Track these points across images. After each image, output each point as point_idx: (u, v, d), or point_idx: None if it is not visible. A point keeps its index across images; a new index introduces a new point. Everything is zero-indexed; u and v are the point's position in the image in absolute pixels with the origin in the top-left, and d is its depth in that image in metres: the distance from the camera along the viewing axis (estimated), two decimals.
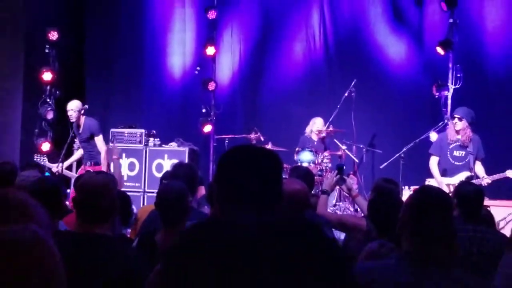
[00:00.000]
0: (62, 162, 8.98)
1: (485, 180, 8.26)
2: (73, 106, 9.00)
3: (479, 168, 8.55)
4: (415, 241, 2.46)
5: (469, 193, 4.38)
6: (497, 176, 8.38)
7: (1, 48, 11.43)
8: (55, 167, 9.01)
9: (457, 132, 8.48)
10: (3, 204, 2.27)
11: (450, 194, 7.82)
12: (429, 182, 8.79)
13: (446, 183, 8.28)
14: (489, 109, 10.45)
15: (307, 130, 10.40)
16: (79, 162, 9.73)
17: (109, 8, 12.71)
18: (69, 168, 9.71)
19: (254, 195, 1.94)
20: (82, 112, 9.07)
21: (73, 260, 2.90)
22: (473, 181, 8.15)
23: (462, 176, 8.30)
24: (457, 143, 8.50)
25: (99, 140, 9.07)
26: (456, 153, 8.50)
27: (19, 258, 1.73)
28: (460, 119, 8.46)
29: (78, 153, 9.45)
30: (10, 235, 1.84)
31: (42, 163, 9.18)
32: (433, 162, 8.69)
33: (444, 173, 8.58)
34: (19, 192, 2.34)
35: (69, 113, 8.96)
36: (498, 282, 3.48)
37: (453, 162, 8.51)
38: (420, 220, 2.47)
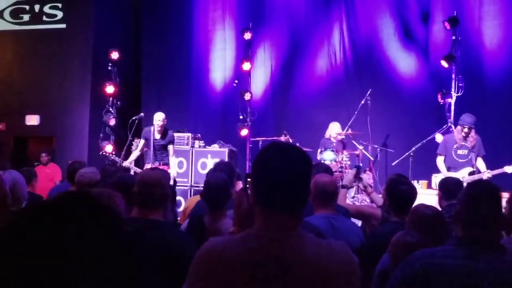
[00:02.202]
0: (123, 159, 9.12)
1: (486, 174, 8.15)
2: (163, 117, 9.09)
3: (480, 164, 8.43)
4: (470, 228, 2.43)
5: (449, 184, 4.35)
6: (496, 171, 8.26)
7: (73, 66, 11.68)
8: (126, 163, 9.18)
9: (465, 138, 8.34)
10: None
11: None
12: (436, 177, 8.71)
13: None
14: (486, 113, 10.30)
15: (326, 133, 10.36)
16: (137, 161, 9.79)
17: (161, 31, 12.84)
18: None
19: (286, 190, 1.80)
20: (165, 122, 9.19)
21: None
22: (476, 175, 8.08)
23: (465, 171, 8.22)
24: (462, 143, 8.40)
25: (172, 148, 9.19)
26: (459, 151, 8.42)
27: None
28: (470, 129, 8.34)
29: (136, 153, 9.44)
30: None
31: (112, 157, 9.32)
32: (440, 160, 8.61)
33: (449, 169, 8.48)
34: (109, 189, 2.46)
35: (160, 123, 8.98)
36: None
37: (457, 159, 8.42)
38: (474, 208, 2.44)
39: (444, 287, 2.34)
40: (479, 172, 8.28)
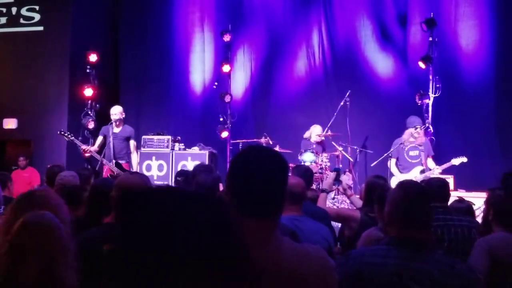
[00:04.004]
0: (102, 161, 8.77)
1: (437, 170, 8.58)
2: (120, 110, 8.92)
3: (430, 163, 8.90)
4: (402, 227, 2.45)
5: (434, 186, 4.37)
6: (445, 166, 8.70)
7: (51, 69, 11.56)
8: (84, 147, 8.77)
9: (416, 138, 8.85)
10: (28, 199, 2.49)
11: None
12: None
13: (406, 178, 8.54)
14: (463, 113, 10.49)
15: (306, 135, 10.38)
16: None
17: (140, 33, 12.78)
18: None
19: (261, 196, 1.80)
20: (124, 116, 9.03)
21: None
22: (426, 173, 8.57)
23: (417, 170, 8.70)
24: (412, 145, 8.85)
25: (133, 143, 9.05)
26: (411, 153, 8.91)
27: (44, 231, 2.08)
28: (421, 128, 8.93)
29: (94, 148, 8.87)
30: (32, 217, 2.13)
31: (71, 138, 8.67)
32: (392, 163, 9.05)
33: (402, 169, 8.90)
34: (44, 190, 2.52)
35: (117, 117, 8.81)
36: (474, 258, 3.47)
37: (409, 160, 8.89)
38: (411, 209, 2.46)
39: (375, 286, 2.35)
40: (429, 169, 8.70)
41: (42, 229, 2.09)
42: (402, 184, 2.69)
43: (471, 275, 2.40)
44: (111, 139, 8.74)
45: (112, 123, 8.86)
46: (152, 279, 1.03)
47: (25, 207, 2.39)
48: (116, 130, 8.89)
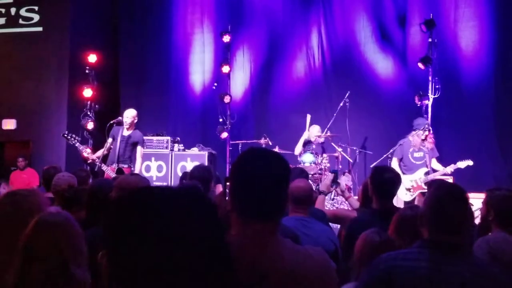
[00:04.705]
0: (101, 163, 8.60)
1: (449, 168, 8.44)
2: (133, 114, 8.70)
3: (435, 164, 8.70)
4: (436, 231, 2.39)
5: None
6: (453, 167, 8.56)
7: (50, 69, 11.56)
8: (85, 154, 8.42)
9: (423, 140, 8.63)
10: (9, 200, 2.49)
11: (412, 190, 8.28)
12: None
13: (410, 180, 8.46)
14: (462, 114, 10.50)
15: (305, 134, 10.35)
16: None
17: (140, 34, 12.78)
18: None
19: (262, 199, 1.80)
20: (136, 121, 8.79)
21: None
22: (431, 175, 8.42)
23: (421, 172, 8.51)
24: (420, 147, 8.69)
25: (140, 150, 8.79)
26: (416, 154, 8.70)
27: (54, 231, 2.11)
28: (429, 130, 8.72)
29: (101, 151, 8.57)
30: (49, 217, 2.16)
31: (73, 143, 8.48)
32: (395, 163, 8.83)
33: (406, 170, 8.67)
34: (26, 191, 2.55)
35: (129, 120, 8.56)
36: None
37: (414, 162, 8.66)
38: (442, 212, 2.40)
39: None
40: (434, 171, 8.56)
41: (56, 228, 2.11)
42: (437, 185, 2.63)
43: (505, 277, 2.36)
44: (118, 141, 8.58)
45: (121, 124, 8.67)
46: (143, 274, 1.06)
47: (6, 209, 2.41)
48: (126, 133, 8.66)
